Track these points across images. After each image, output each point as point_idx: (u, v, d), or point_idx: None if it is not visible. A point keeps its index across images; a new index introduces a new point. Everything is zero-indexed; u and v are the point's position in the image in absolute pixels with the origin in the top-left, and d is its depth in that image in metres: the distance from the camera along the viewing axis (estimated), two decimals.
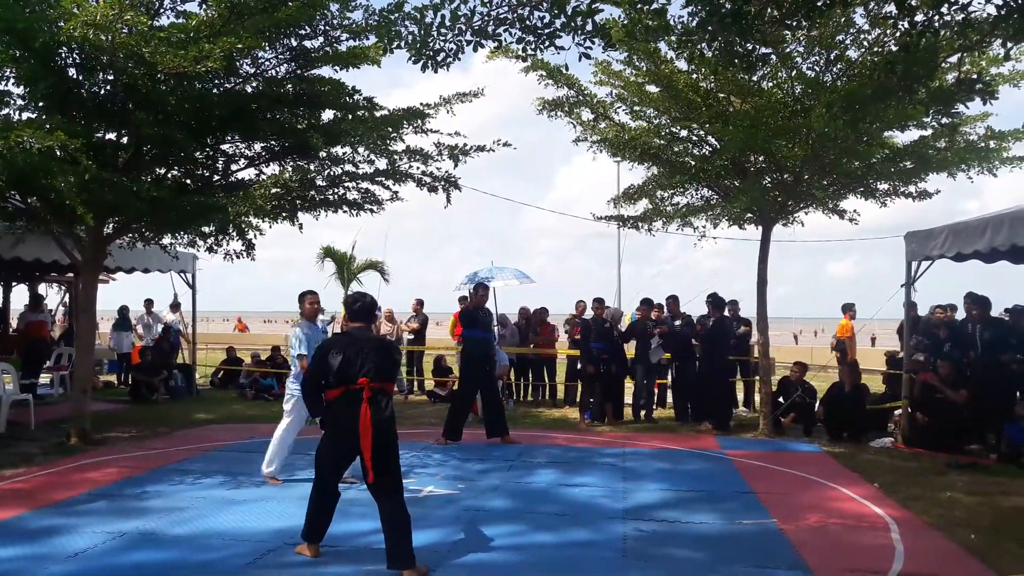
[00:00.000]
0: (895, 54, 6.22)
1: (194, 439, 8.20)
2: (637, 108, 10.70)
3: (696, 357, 12.15)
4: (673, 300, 12.94)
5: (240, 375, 15.82)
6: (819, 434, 10.94)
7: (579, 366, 13.86)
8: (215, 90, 9.16)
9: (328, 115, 9.90)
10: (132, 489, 7.31)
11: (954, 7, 5.33)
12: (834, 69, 9.52)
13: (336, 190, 10.50)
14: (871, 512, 6.80)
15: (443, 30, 5.59)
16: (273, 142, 10.01)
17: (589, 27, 5.59)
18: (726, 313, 12.42)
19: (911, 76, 6.36)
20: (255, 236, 10.07)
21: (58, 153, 7.75)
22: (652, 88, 10.25)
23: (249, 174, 10.41)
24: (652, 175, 11.49)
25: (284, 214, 10.33)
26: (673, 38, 8.26)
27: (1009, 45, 5.95)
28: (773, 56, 9.42)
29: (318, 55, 9.27)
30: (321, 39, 9.23)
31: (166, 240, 11.11)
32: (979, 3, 5.27)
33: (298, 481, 7.74)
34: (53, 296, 20.31)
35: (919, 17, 5.62)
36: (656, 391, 13.17)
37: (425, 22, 5.57)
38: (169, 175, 9.98)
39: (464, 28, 5.60)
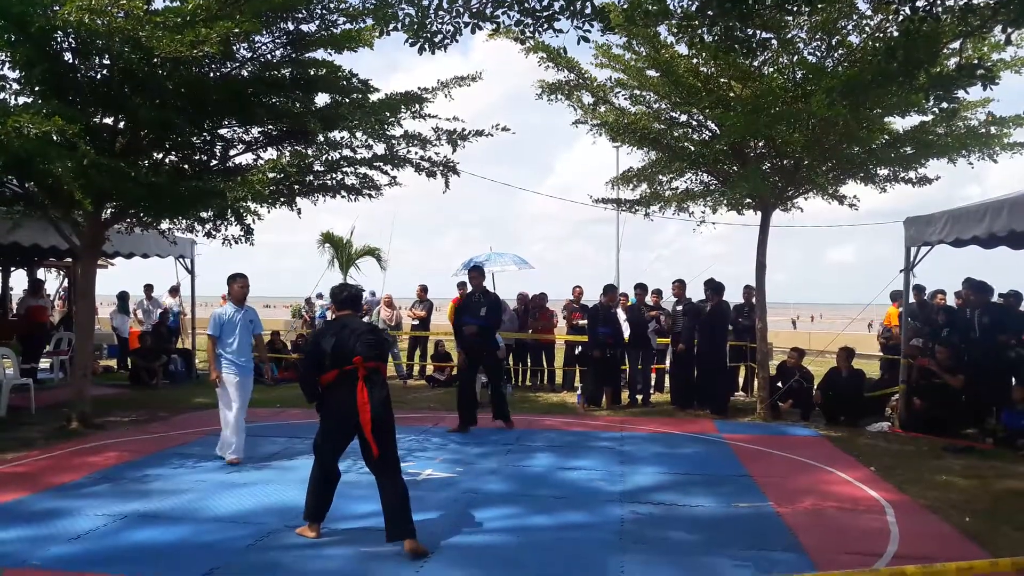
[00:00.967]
0: (896, 39, 6.21)
1: (194, 423, 8.23)
2: (637, 92, 10.66)
3: (694, 342, 12.18)
4: (679, 284, 12.94)
5: None
6: (816, 418, 10.99)
7: (578, 351, 13.95)
8: (212, 74, 9.13)
9: (324, 99, 9.88)
10: (133, 472, 7.35)
11: None
12: (835, 54, 9.50)
13: (334, 175, 10.50)
14: (867, 495, 6.84)
15: (440, 12, 5.58)
16: (270, 127, 9.99)
17: (587, 10, 5.57)
18: (740, 299, 12.43)
19: (912, 61, 6.35)
20: (253, 221, 10.06)
21: (55, 138, 7.73)
22: (652, 73, 10.22)
23: (247, 159, 10.42)
24: (651, 160, 11.47)
25: (282, 199, 10.33)
26: (673, 22, 8.27)
27: (1010, 31, 5.95)
28: (774, 41, 9.42)
29: (313, 38, 9.23)
30: (318, 22, 9.19)
31: (164, 225, 11.09)
32: None
33: (298, 464, 7.78)
34: (52, 281, 20.32)
35: (920, 2, 5.61)
36: (653, 376, 13.21)
37: (423, 4, 5.56)
38: (167, 160, 9.96)
39: (462, 10, 5.58)
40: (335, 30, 9.24)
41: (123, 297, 16.82)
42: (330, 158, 10.27)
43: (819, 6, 7.83)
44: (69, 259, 15.51)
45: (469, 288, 10.13)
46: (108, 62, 8.56)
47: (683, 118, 10.82)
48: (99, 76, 8.82)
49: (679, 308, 12.65)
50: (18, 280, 18.12)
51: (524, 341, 14.50)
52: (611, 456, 8.43)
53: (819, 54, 9.56)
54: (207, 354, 7.96)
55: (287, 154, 9.91)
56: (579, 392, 12.34)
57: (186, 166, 10.00)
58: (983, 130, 9.97)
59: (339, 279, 24.88)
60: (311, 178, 10.30)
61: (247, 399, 8.04)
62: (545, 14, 5.57)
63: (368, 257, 25.22)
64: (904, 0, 5.49)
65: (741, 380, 13.83)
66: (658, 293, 13.44)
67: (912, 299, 11.37)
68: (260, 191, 8.66)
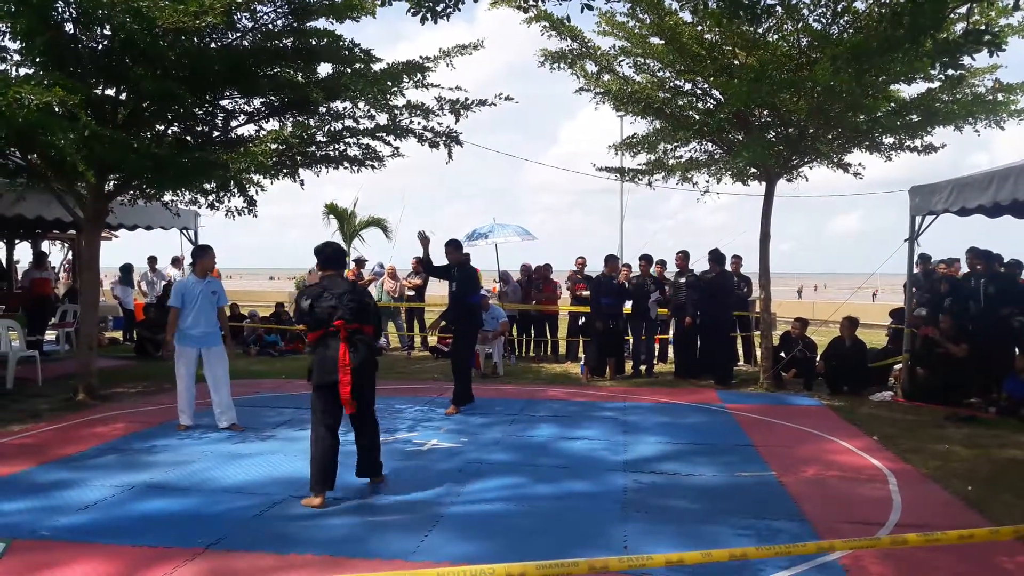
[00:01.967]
0: (903, 5, 6.11)
1: (200, 394, 8.29)
2: (641, 61, 10.56)
3: (697, 312, 12.21)
4: (683, 255, 12.93)
5: (243, 331, 15.90)
6: (819, 388, 11.01)
7: (581, 322, 13.97)
8: (213, 45, 9.06)
9: (326, 69, 9.81)
10: (140, 443, 7.41)
11: None
12: (841, 21, 9.39)
13: (337, 146, 10.45)
14: (870, 464, 6.88)
15: None
16: (272, 97, 9.92)
17: None
18: (727, 268, 12.43)
19: (918, 27, 6.26)
20: (256, 193, 10.05)
21: (57, 109, 7.70)
22: (656, 40, 10.12)
23: (249, 130, 10.36)
24: (655, 129, 11.39)
25: (285, 170, 10.31)
26: None
27: None
28: (779, 8, 9.29)
29: (315, 7, 9.13)
30: None
31: (167, 197, 11.08)
32: None
33: (303, 435, 7.82)
34: (56, 253, 20.37)
35: None
36: (656, 346, 13.24)
37: None
38: (169, 131, 9.92)
39: None
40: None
41: (127, 269, 16.86)
42: (332, 129, 10.21)
43: None
44: (73, 231, 15.54)
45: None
46: (109, 33, 8.48)
47: (687, 86, 10.73)
48: (100, 47, 8.76)
49: (682, 279, 12.65)
50: (23, 252, 18.18)
51: (528, 312, 14.52)
52: (614, 426, 8.47)
53: (824, 21, 9.44)
54: (168, 325, 8.09)
55: (289, 125, 9.85)
56: (582, 363, 12.39)
57: (188, 137, 9.96)
58: (990, 97, 9.87)
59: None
60: (313, 149, 10.26)
61: (225, 368, 8.17)
62: None
63: (372, 228, 25.20)
64: None
65: (741, 350, 13.85)
66: (662, 264, 13.43)
67: (917, 268, 11.34)
68: (263, 162, 8.63)
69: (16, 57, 8.75)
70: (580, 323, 14.15)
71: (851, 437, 7.96)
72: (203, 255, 8.25)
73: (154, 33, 8.03)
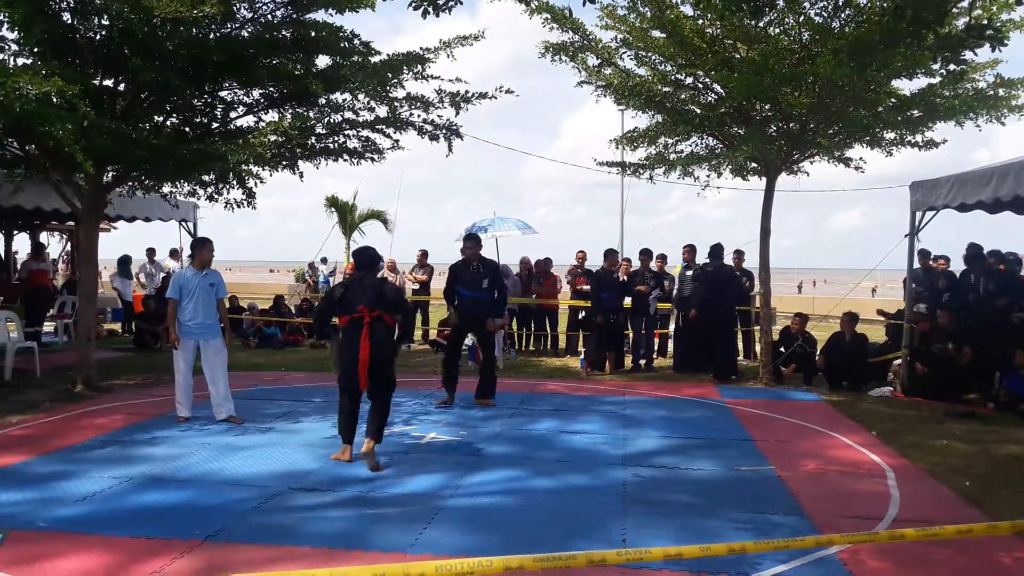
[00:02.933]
0: None
1: (199, 386, 8.28)
2: (642, 54, 10.53)
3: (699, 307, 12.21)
4: (689, 249, 12.90)
5: (243, 324, 15.90)
6: (819, 383, 11.01)
7: (581, 316, 13.97)
8: (212, 35, 9.03)
9: (326, 61, 9.78)
10: (138, 435, 7.40)
11: None
12: (842, 15, 9.35)
13: (336, 138, 10.42)
14: (868, 460, 6.87)
15: None
16: (271, 89, 9.90)
17: None
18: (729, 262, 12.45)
19: (920, 21, 6.24)
20: (256, 185, 10.01)
21: (55, 99, 7.67)
22: (657, 33, 10.08)
23: (248, 121, 10.34)
24: (656, 123, 11.35)
25: (284, 162, 10.29)
26: None
27: None
28: (780, 1, 9.26)
29: None
30: None
31: (166, 189, 11.06)
32: None
33: (302, 428, 7.85)
34: (55, 245, 20.35)
35: None
36: (656, 341, 13.23)
37: None
38: (167, 123, 9.89)
39: None
40: None
41: (125, 261, 16.83)
42: (332, 121, 10.19)
43: None
44: (71, 222, 15.52)
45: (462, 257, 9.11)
46: (107, 22, 8.46)
47: (688, 80, 10.69)
48: (98, 37, 8.73)
49: (688, 273, 12.63)
50: (21, 244, 18.16)
51: (528, 306, 14.50)
52: (614, 420, 8.46)
53: (826, 14, 9.41)
54: (168, 317, 8.11)
55: (288, 116, 9.82)
56: (582, 357, 12.39)
57: (187, 129, 9.94)
58: (991, 92, 9.84)
59: (343, 243, 24.93)
60: (313, 141, 10.22)
61: (224, 359, 8.17)
62: None
63: (372, 220, 25.21)
64: None
65: (741, 345, 13.85)
66: (662, 258, 13.41)
67: (917, 264, 11.33)
68: (262, 154, 8.61)
69: (14, 47, 8.72)
70: (580, 317, 14.14)
71: (850, 432, 7.96)
72: (202, 247, 8.24)
73: (152, 23, 8.00)
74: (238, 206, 10.37)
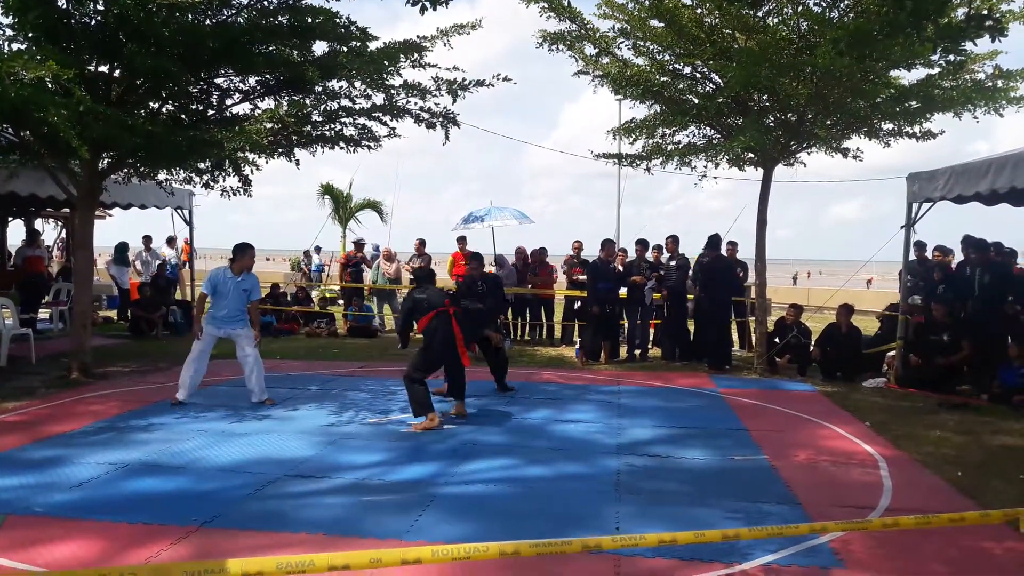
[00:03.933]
0: None
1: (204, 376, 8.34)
2: (640, 44, 10.50)
3: (687, 298, 12.27)
4: (672, 240, 12.95)
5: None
6: (813, 373, 11.05)
7: (577, 306, 13.98)
8: (208, 22, 8.98)
9: (322, 48, 9.74)
10: (134, 422, 7.40)
11: None
12: (841, 5, 9.33)
13: (333, 126, 10.38)
14: (862, 450, 6.91)
15: None
16: (268, 76, 9.85)
17: None
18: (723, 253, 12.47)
19: (920, 11, 6.23)
20: (252, 172, 10.03)
21: (50, 85, 7.63)
22: (655, 23, 10.05)
23: (244, 109, 10.30)
24: (654, 113, 11.33)
25: (280, 150, 10.25)
26: None
27: None
28: None
29: None
30: None
31: (162, 176, 11.03)
32: None
33: (298, 415, 7.86)
34: (50, 232, 20.29)
35: None
36: (652, 331, 13.25)
37: None
38: (163, 109, 9.85)
39: None
40: None
41: (122, 249, 16.81)
42: (328, 108, 10.15)
43: None
44: (66, 209, 15.47)
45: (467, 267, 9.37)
46: (103, 8, 8.41)
47: (686, 70, 10.67)
48: (94, 22, 8.67)
49: (672, 263, 12.67)
50: (15, 231, 18.11)
51: (523, 295, 14.51)
52: (609, 409, 8.49)
53: (824, 4, 9.39)
54: (195, 308, 8.37)
55: (285, 104, 9.80)
56: (577, 346, 12.40)
57: (183, 116, 9.89)
58: (989, 84, 9.84)
59: (339, 232, 24.90)
60: (309, 128, 10.19)
61: (255, 346, 8.45)
62: None
63: (368, 210, 25.18)
64: None
65: (735, 335, 13.88)
66: (658, 249, 13.42)
67: (913, 256, 11.35)
68: (258, 141, 8.59)
69: (9, 32, 8.66)
70: (576, 307, 14.14)
71: (844, 423, 7.99)
72: (242, 254, 8.44)
73: (148, 9, 7.96)
74: (234, 194, 10.38)
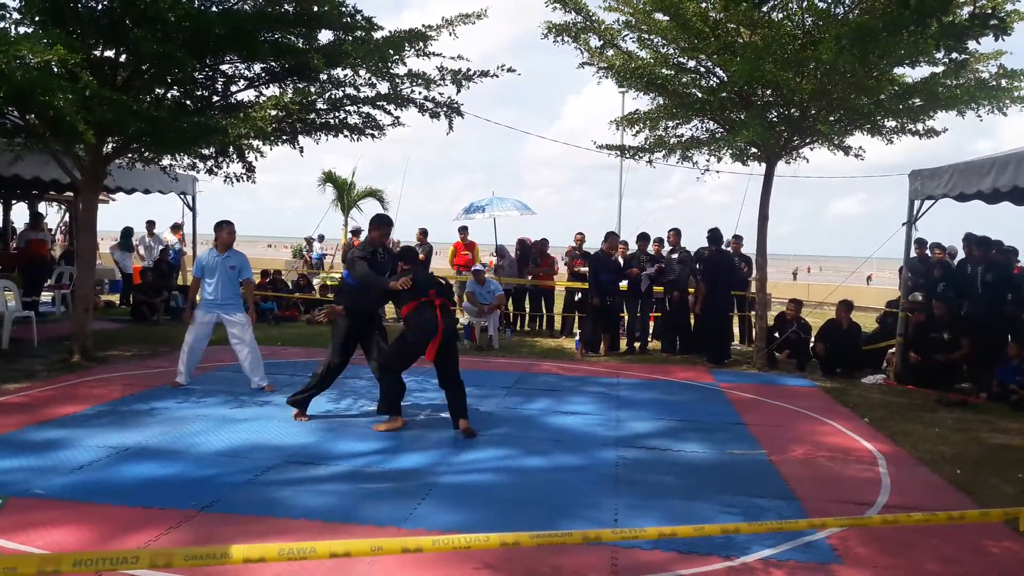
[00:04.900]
0: None
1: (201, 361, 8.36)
2: (645, 36, 10.49)
3: (687, 291, 12.29)
4: (674, 233, 12.96)
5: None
6: (812, 369, 11.07)
7: (577, 297, 14.00)
8: (214, 8, 8.97)
9: (327, 36, 9.72)
10: (135, 406, 7.43)
11: None
12: (846, 1, 9.31)
13: (337, 114, 10.38)
14: (860, 446, 6.93)
15: None
16: (273, 63, 9.83)
17: None
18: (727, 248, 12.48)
19: (925, 9, 6.22)
20: (255, 158, 10.01)
21: (56, 69, 7.63)
22: (660, 16, 10.04)
23: (249, 95, 10.28)
24: (657, 106, 11.32)
25: (284, 137, 10.25)
26: None
27: None
28: None
29: None
30: None
31: (166, 161, 11.02)
32: None
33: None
34: (53, 215, 20.30)
35: None
36: (652, 324, 13.27)
37: None
38: (168, 95, 9.85)
39: None
40: None
41: (127, 233, 16.82)
42: (333, 96, 10.14)
43: None
44: (70, 193, 15.47)
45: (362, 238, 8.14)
46: None
47: (690, 64, 10.66)
48: (100, 7, 8.66)
49: (674, 256, 12.68)
50: (19, 213, 18.12)
51: (523, 286, 14.52)
52: (607, 401, 8.51)
53: (829, 0, 9.36)
54: (188, 294, 8.61)
55: (289, 91, 9.78)
56: (577, 338, 12.42)
57: (188, 101, 9.89)
58: (993, 83, 9.82)
59: (341, 220, 24.90)
60: (313, 116, 10.19)
61: (248, 332, 8.42)
62: None
63: (370, 198, 25.18)
64: None
65: (737, 330, 13.90)
66: (659, 242, 13.43)
67: (914, 253, 11.35)
68: (262, 128, 8.59)
69: (15, 15, 8.64)
70: (576, 299, 14.17)
71: (842, 419, 8.02)
72: (219, 229, 8.47)
73: None
74: (237, 180, 10.39)
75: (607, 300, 12.02)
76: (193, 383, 8.33)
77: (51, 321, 13.06)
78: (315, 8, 9.18)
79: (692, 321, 12.42)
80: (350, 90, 10.13)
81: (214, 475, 5.45)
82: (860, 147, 11.51)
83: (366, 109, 10.37)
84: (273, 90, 10.08)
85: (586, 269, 13.25)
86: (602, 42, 10.75)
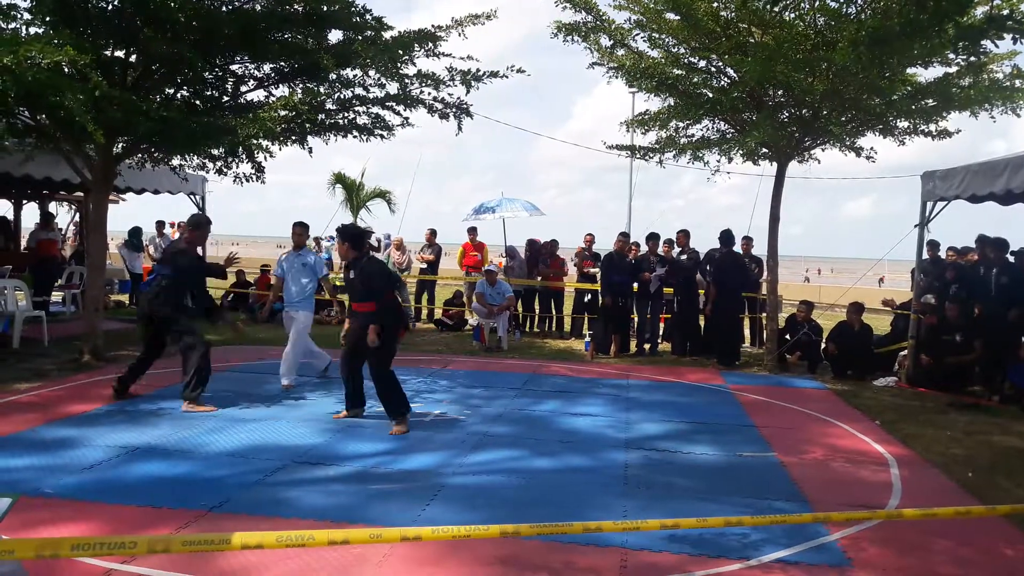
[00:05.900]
0: None
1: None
2: (655, 36, 10.45)
3: (698, 292, 12.25)
4: (684, 234, 12.92)
5: (249, 298, 15.94)
6: (823, 371, 11.01)
7: (587, 299, 13.97)
8: (224, 8, 8.99)
9: (337, 36, 9.73)
10: (145, 406, 7.44)
11: None
12: (858, 1, 9.26)
13: (346, 114, 10.38)
14: (871, 449, 6.88)
15: None
16: (282, 63, 9.85)
17: None
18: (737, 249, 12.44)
19: (941, 11, 6.18)
20: (265, 159, 10.04)
21: (66, 69, 7.65)
22: (671, 16, 10.00)
23: (258, 96, 10.31)
24: (668, 106, 11.28)
25: (294, 137, 10.25)
26: None
27: None
28: None
29: None
30: None
31: (176, 161, 11.05)
32: None
33: (306, 402, 7.89)
34: (64, 215, 20.37)
35: None
36: (662, 325, 13.23)
37: None
38: (178, 95, 9.87)
39: None
40: None
41: (135, 233, 16.87)
42: (342, 96, 10.15)
43: None
44: (81, 193, 15.52)
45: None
46: None
47: (701, 64, 10.62)
48: (110, 7, 8.69)
49: (683, 257, 12.64)
50: (30, 213, 18.19)
51: (533, 287, 14.50)
52: (617, 403, 8.48)
53: (841, 0, 9.31)
54: (272, 293, 9.66)
55: (299, 91, 9.79)
56: (587, 339, 12.39)
57: (197, 102, 9.90)
58: (1007, 83, 9.75)
59: (350, 220, 24.93)
60: (323, 116, 10.20)
61: (300, 329, 8.74)
62: None
63: (378, 199, 25.20)
64: None
65: (748, 331, 13.85)
66: (669, 243, 13.39)
67: (926, 255, 11.27)
68: (271, 128, 8.60)
69: (26, 16, 8.68)
70: (586, 300, 14.14)
71: (853, 421, 7.97)
72: (293, 230, 8.94)
73: None
74: (247, 180, 10.40)
75: (619, 301, 11.98)
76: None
77: (62, 321, 13.10)
78: (325, 8, 9.19)
79: (702, 323, 12.37)
80: (359, 90, 10.15)
81: (223, 475, 5.45)
82: (872, 148, 11.45)
83: (375, 109, 10.38)
84: (282, 90, 10.10)
85: (595, 270, 13.23)
86: (612, 42, 10.72)
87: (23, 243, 16.34)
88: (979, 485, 5.84)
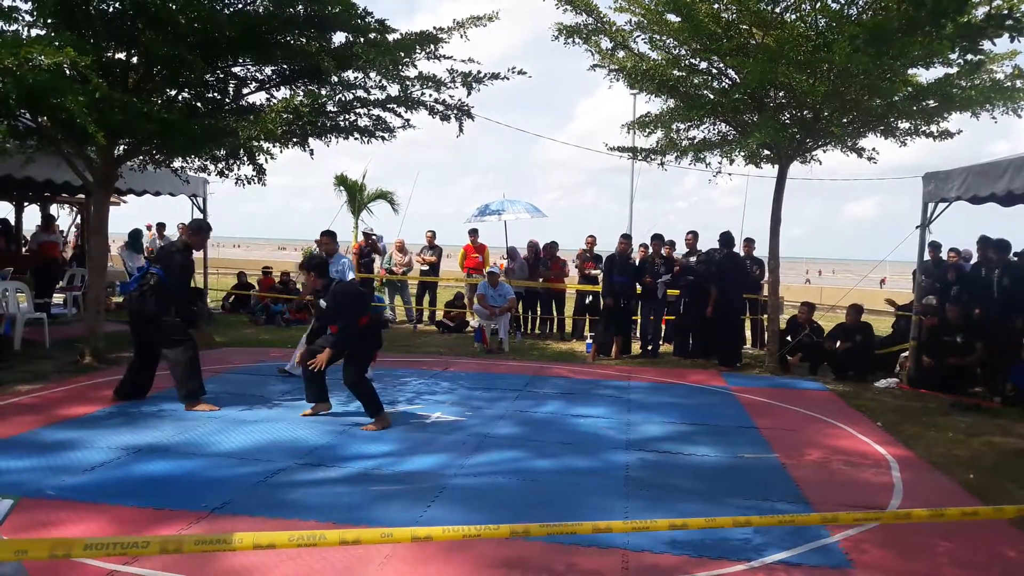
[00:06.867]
0: None
1: (207, 361, 8.33)
2: (656, 38, 10.46)
3: (706, 294, 12.22)
4: (692, 235, 12.91)
5: (250, 300, 15.96)
6: (825, 373, 11.00)
7: (588, 300, 13.97)
8: (225, 10, 8.99)
9: (339, 38, 9.73)
10: (146, 407, 7.44)
11: None
12: (859, 2, 9.26)
13: (347, 116, 10.38)
14: (873, 450, 6.87)
15: None
16: (284, 65, 9.85)
17: None
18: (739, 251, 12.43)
19: (940, 10, 6.17)
20: (266, 161, 10.04)
21: (67, 71, 7.65)
22: (672, 17, 10.00)
23: (260, 98, 10.31)
24: (669, 107, 11.29)
25: (295, 139, 10.25)
26: None
27: None
28: None
29: None
30: None
31: (177, 163, 11.06)
32: None
33: (307, 404, 7.86)
34: (65, 217, 20.40)
35: None
36: (664, 327, 13.22)
37: None
38: (179, 97, 9.87)
39: None
40: None
41: (135, 235, 16.88)
42: (343, 99, 10.15)
43: None
44: (82, 195, 15.54)
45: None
46: None
47: (702, 65, 10.62)
48: (112, 9, 8.69)
49: (692, 259, 12.63)
50: (31, 216, 18.21)
51: (534, 289, 14.50)
52: (619, 404, 8.48)
53: (842, 1, 9.31)
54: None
55: (300, 94, 9.79)
56: (588, 341, 12.38)
57: (199, 104, 9.91)
58: (1008, 84, 9.75)
59: (351, 222, 24.95)
60: (324, 119, 10.20)
61: None
62: None
63: (380, 200, 25.24)
64: None
65: (749, 333, 13.85)
66: (671, 244, 13.39)
67: (928, 256, 11.27)
68: (273, 130, 8.59)
69: (27, 18, 8.68)
70: (587, 301, 14.14)
71: (855, 422, 7.96)
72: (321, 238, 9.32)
73: None
74: (248, 182, 10.40)
75: (621, 302, 11.97)
76: (204, 384, 8.31)
77: (63, 323, 13.10)
78: (327, 10, 9.19)
79: (703, 324, 12.36)
80: (360, 92, 10.14)
81: (225, 476, 5.45)
82: (873, 149, 11.46)
83: (376, 111, 10.37)
84: (284, 92, 10.10)
85: (597, 272, 13.22)
86: (613, 44, 10.73)
87: (24, 245, 16.34)
88: (981, 487, 5.83)
